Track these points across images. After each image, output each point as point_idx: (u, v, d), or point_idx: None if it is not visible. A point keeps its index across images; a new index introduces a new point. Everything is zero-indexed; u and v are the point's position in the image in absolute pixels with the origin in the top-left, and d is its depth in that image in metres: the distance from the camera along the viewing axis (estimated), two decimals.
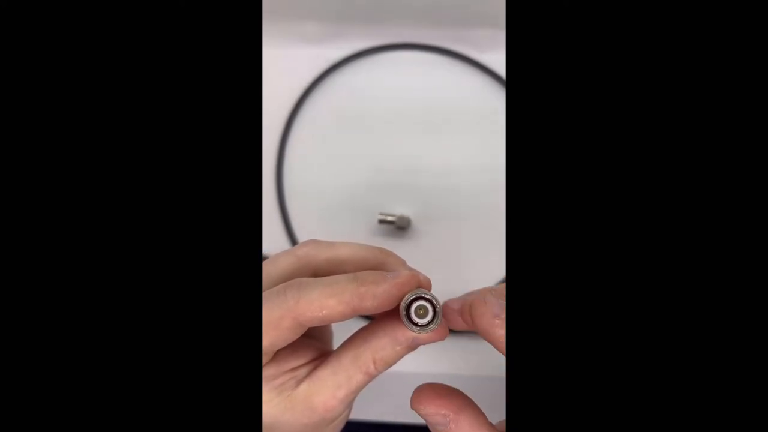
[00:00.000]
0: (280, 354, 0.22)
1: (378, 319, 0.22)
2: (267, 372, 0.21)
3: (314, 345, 0.23)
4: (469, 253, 0.44)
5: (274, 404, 0.21)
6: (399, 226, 0.42)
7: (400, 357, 0.22)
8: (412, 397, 0.22)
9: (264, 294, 0.21)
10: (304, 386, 0.21)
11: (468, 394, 0.24)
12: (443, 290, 0.44)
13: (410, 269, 0.23)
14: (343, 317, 0.20)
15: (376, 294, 0.20)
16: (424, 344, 0.22)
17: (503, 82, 0.46)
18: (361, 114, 0.46)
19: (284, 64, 0.46)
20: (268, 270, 0.22)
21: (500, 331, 0.20)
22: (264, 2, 0.41)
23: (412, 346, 0.22)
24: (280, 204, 0.45)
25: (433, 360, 0.42)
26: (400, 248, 0.44)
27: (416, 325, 0.21)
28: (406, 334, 0.21)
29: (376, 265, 0.23)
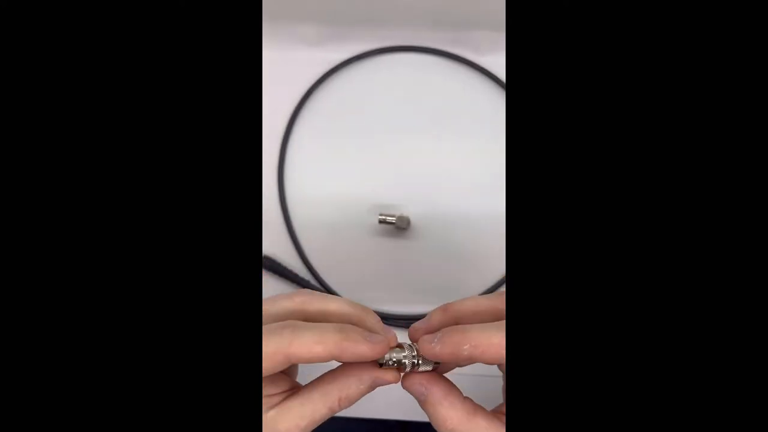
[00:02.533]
0: (266, 379, 0.24)
1: (345, 367, 0.25)
2: None
3: (288, 379, 0.26)
4: (469, 253, 0.44)
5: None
6: (399, 227, 0.43)
7: (362, 396, 0.25)
8: (401, 381, 0.26)
9: (264, 328, 0.24)
10: (272, 412, 0.24)
11: (467, 392, 0.26)
12: (443, 290, 0.44)
13: (385, 330, 0.26)
14: (324, 361, 0.23)
15: (354, 351, 0.23)
16: (382, 385, 0.26)
17: (503, 84, 0.46)
18: (362, 115, 0.47)
19: (285, 67, 0.47)
20: (268, 308, 0.26)
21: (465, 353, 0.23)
22: (265, 5, 0.41)
23: (373, 387, 0.25)
24: (282, 205, 0.45)
25: None
26: (399, 248, 0.44)
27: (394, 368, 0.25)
28: (370, 375, 0.25)
29: (357, 321, 0.26)
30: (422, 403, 0.26)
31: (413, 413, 0.42)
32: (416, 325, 0.27)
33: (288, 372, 0.27)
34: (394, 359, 0.25)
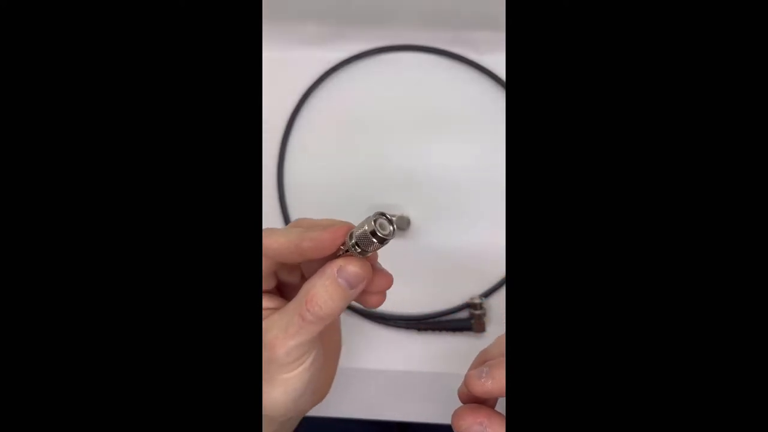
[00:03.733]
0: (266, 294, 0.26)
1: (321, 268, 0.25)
2: None
3: (279, 298, 0.27)
4: (469, 253, 0.44)
5: None
6: (399, 227, 0.43)
7: (332, 298, 0.24)
8: (452, 418, 0.25)
9: (272, 230, 0.25)
10: (265, 323, 0.25)
11: (454, 392, 0.27)
12: (442, 289, 0.44)
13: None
14: (290, 255, 0.25)
15: (314, 239, 0.24)
16: (352, 284, 0.25)
17: (502, 83, 0.46)
18: (361, 115, 0.47)
19: (285, 66, 0.47)
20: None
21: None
22: (265, 5, 0.41)
23: (349, 293, 0.25)
24: (281, 204, 0.45)
25: (429, 359, 0.43)
26: (399, 248, 0.44)
27: (379, 239, 0.24)
28: (332, 269, 0.24)
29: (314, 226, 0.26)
30: None
31: (413, 414, 0.42)
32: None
33: (327, 332, 0.28)
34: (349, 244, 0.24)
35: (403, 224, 0.43)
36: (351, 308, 0.44)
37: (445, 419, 0.41)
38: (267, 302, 0.26)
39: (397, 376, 0.42)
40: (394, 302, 0.44)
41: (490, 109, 0.46)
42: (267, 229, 0.26)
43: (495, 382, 0.24)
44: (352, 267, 0.24)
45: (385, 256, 0.44)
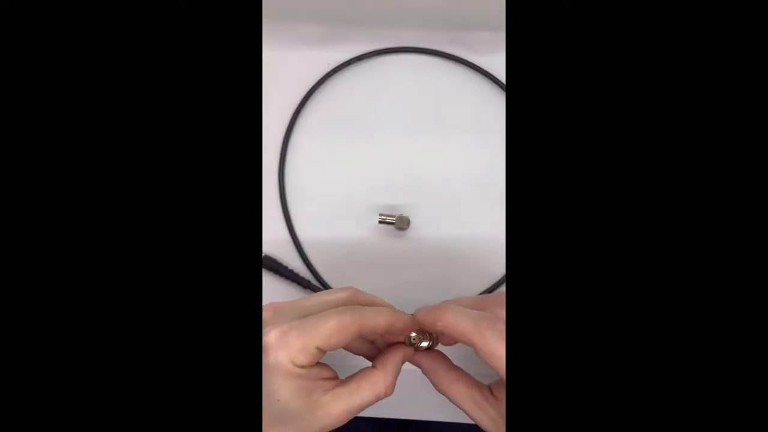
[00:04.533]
0: (320, 364, 0.28)
1: (379, 356, 0.31)
2: (311, 373, 0.27)
3: (333, 369, 0.30)
4: (468, 253, 0.45)
5: (303, 401, 0.27)
6: (399, 227, 0.43)
7: (398, 375, 0.30)
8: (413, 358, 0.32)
9: (333, 309, 0.28)
10: (327, 397, 0.27)
11: None
12: (442, 289, 0.44)
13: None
14: (382, 332, 0.29)
15: (404, 320, 0.30)
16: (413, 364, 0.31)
17: (502, 84, 0.47)
18: (362, 116, 0.47)
19: (286, 68, 0.47)
20: (326, 297, 0.30)
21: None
22: (267, 6, 0.41)
23: (406, 360, 0.31)
24: (283, 204, 0.45)
25: None
26: (399, 248, 0.45)
27: (417, 346, 0.31)
28: (405, 356, 0.31)
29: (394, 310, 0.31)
30: (424, 371, 0.32)
31: (413, 412, 0.42)
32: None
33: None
34: (413, 337, 0.30)
35: (402, 224, 0.43)
36: None
37: (445, 417, 0.41)
38: (326, 372, 0.29)
39: (399, 375, 0.42)
40: (393, 301, 0.44)
41: (489, 110, 0.47)
42: (357, 305, 0.29)
43: (426, 316, 0.29)
44: (412, 353, 0.31)
45: (385, 255, 0.44)
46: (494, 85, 0.47)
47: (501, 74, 0.47)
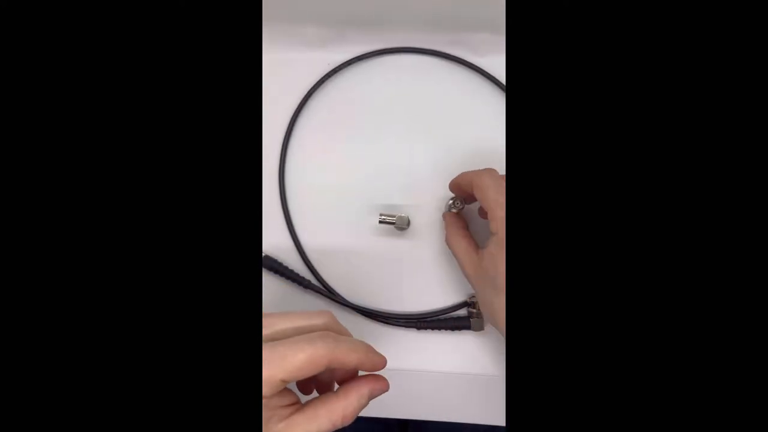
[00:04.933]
0: (280, 393, 0.27)
1: (345, 384, 0.30)
2: (270, 402, 0.27)
3: (293, 394, 0.29)
4: None
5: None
6: (399, 227, 0.43)
7: (362, 408, 0.29)
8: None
9: (305, 337, 0.27)
10: (282, 425, 0.27)
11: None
12: (441, 288, 0.44)
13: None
14: (350, 368, 0.29)
15: (375, 361, 0.29)
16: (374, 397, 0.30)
17: (501, 85, 0.47)
18: (362, 116, 0.47)
19: (286, 68, 0.47)
20: (302, 322, 0.29)
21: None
22: (267, 7, 0.41)
23: (373, 396, 0.30)
24: (283, 204, 0.46)
25: (428, 357, 0.43)
26: (399, 248, 0.45)
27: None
28: (368, 389, 0.29)
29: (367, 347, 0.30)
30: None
31: (413, 412, 0.42)
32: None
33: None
34: (452, 203, 0.41)
35: (403, 224, 0.43)
36: (351, 307, 0.44)
37: (444, 417, 0.42)
38: (286, 399, 0.28)
39: (397, 374, 0.42)
40: (393, 301, 0.44)
41: (488, 110, 0.47)
42: (332, 335, 0.28)
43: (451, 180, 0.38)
44: (383, 389, 0.30)
45: (385, 255, 0.45)
46: (494, 85, 0.47)
47: (501, 75, 0.47)
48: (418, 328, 0.43)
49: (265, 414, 0.26)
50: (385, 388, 0.30)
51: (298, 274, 0.44)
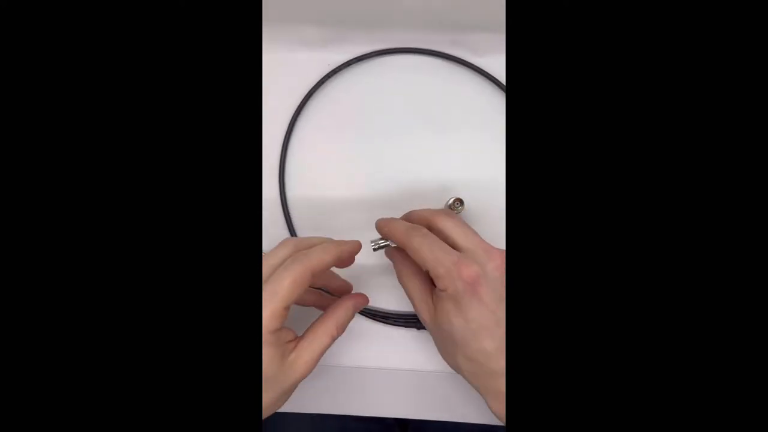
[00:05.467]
0: (282, 329, 0.31)
1: (334, 304, 0.35)
2: (280, 338, 0.30)
3: (292, 331, 0.32)
4: None
5: (277, 365, 0.30)
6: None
7: (349, 321, 0.34)
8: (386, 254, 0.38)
9: (282, 266, 0.31)
10: (293, 354, 0.31)
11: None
12: None
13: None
14: (332, 266, 0.33)
15: (348, 248, 0.34)
16: (361, 308, 0.36)
17: (501, 85, 0.47)
18: (362, 117, 0.47)
19: (287, 68, 0.47)
20: (270, 261, 0.32)
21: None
22: (267, 8, 0.41)
23: (355, 311, 0.35)
24: (283, 204, 0.46)
25: (428, 357, 0.43)
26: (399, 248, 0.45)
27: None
28: (353, 303, 0.35)
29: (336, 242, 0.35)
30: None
31: (412, 411, 0.42)
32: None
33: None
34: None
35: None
36: None
37: (444, 416, 0.42)
38: (289, 335, 0.32)
39: (397, 374, 0.42)
40: (393, 300, 0.44)
41: (489, 111, 0.47)
42: (301, 253, 0.32)
43: (381, 225, 0.36)
44: (364, 302, 0.37)
45: (385, 255, 0.45)
46: (494, 85, 0.47)
47: (501, 75, 0.47)
48: (418, 328, 0.43)
49: (277, 351, 0.30)
50: (365, 301, 0.36)
51: None
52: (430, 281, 0.34)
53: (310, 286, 0.32)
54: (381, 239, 0.40)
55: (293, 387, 0.31)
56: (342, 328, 0.34)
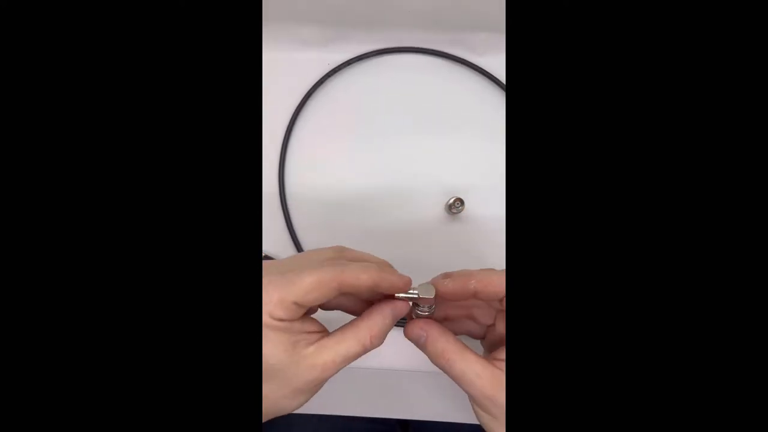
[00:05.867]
0: (304, 318, 0.28)
1: (370, 308, 0.30)
2: (293, 326, 0.27)
3: (319, 323, 0.29)
4: (468, 252, 0.45)
5: (287, 354, 0.26)
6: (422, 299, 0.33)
7: (387, 332, 0.29)
8: (405, 330, 0.30)
9: (318, 262, 0.28)
10: (312, 348, 0.27)
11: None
12: None
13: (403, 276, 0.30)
14: (366, 289, 0.28)
15: (390, 280, 0.28)
16: (400, 317, 0.30)
17: (501, 84, 0.47)
18: (362, 116, 0.47)
19: (287, 68, 0.47)
20: (312, 255, 0.30)
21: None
22: (267, 8, 0.41)
23: (393, 321, 0.30)
24: (283, 204, 0.46)
25: (427, 359, 0.43)
26: (399, 247, 0.45)
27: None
28: (391, 309, 0.29)
29: (383, 267, 0.31)
30: (422, 344, 0.29)
31: (414, 412, 0.42)
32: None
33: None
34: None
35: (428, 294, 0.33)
36: None
37: (445, 417, 0.42)
38: (311, 326, 0.28)
39: (399, 374, 0.42)
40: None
41: (489, 110, 0.47)
42: (340, 260, 0.29)
43: (455, 282, 0.29)
44: (404, 308, 0.30)
45: (386, 255, 0.45)
46: (494, 85, 0.47)
47: (501, 74, 0.47)
48: None
49: (291, 338, 0.27)
50: (406, 309, 0.30)
51: None
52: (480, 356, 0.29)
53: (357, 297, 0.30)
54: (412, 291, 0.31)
55: (308, 386, 0.27)
56: (378, 337, 0.29)
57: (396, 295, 0.29)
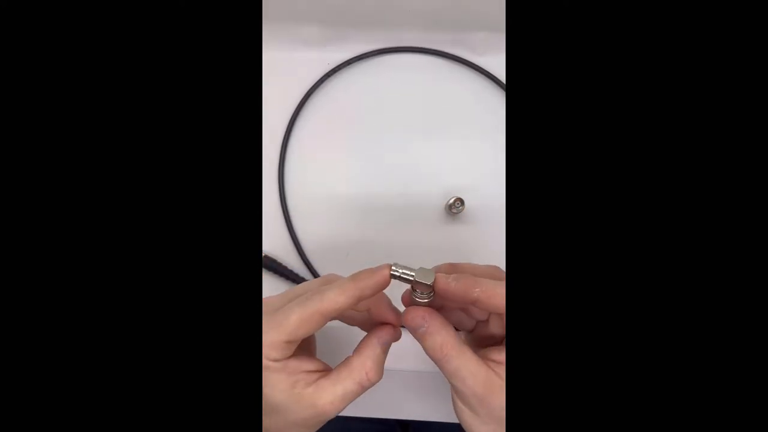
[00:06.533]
0: (301, 356, 0.28)
1: (360, 343, 0.30)
2: (289, 365, 0.27)
3: (321, 362, 0.29)
4: (468, 252, 0.45)
5: (286, 394, 0.27)
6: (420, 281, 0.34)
7: (382, 362, 0.29)
8: (403, 316, 0.29)
9: (296, 300, 0.28)
10: (310, 389, 0.27)
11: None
12: None
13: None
14: (350, 307, 0.27)
15: (369, 281, 0.28)
16: (395, 341, 0.30)
17: (501, 84, 0.47)
18: (362, 116, 0.47)
19: (287, 67, 0.47)
20: (302, 288, 0.30)
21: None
22: (267, 7, 0.41)
23: (386, 348, 0.30)
24: (282, 204, 0.45)
25: (426, 359, 0.43)
26: (399, 247, 0.45)
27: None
28: (380, 339, 0.29)
29: (357, 275, 0.30)
30: (420, 334, 0.28)
31: (414, 412, 0.42)
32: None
33: (309, 350, 0.32)
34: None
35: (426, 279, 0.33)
36: None
37: (445, 418, 0.42)
38: (309, 364, 0.28)
39: (399, 375, 0.42)
40: (393, 301, 0.44)
41: (489, 110, 0.47)
42: (314, 291, 0.28)
43: (459, 285, 0.27)
44: (392, 338, 0.30)
45: (385, 255, 0.45)
46: (494, 85, 0.47)
47: (501, 74, 0.47)
48: None
49: (289, 378, 0.27)
50: (394, 333, 0.30)
51: (297, 274, 0.44)
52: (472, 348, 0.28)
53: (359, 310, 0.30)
54: (405, 269, 0.29)
55: (307, 422, 0.28)
56: (373, 370, 0.29)
57: (391, 271, 0.28)
